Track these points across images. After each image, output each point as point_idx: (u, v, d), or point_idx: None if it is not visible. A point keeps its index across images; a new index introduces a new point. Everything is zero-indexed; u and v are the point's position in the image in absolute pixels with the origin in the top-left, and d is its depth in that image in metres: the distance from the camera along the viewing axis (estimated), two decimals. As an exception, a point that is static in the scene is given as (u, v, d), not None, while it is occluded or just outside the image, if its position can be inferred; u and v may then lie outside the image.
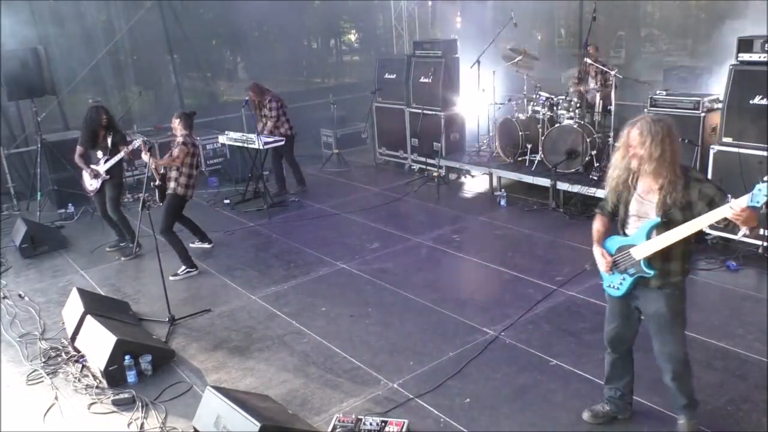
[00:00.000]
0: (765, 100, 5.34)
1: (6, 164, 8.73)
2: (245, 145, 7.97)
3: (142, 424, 3.86)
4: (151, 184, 6.14)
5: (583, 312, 4.89)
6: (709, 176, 5.76)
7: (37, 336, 5.04)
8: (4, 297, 5.84)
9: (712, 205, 2.84)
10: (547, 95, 7.69)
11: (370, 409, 3.86)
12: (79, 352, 4.67)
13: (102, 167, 6.40)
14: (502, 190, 7.72)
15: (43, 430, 3.93)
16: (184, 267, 6.10)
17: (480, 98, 8.57)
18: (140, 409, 3.99)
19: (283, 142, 8.12)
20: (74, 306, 4.90)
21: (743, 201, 2.63)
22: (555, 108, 7.58)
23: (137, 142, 6.20)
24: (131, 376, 4.29)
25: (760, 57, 5.37)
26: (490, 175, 8.05)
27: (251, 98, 8.37)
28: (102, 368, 4.25)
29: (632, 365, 3.52)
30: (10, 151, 8.93)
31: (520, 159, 7.90)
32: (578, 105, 7.36)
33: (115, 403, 4.08)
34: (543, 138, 7.47)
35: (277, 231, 7.24)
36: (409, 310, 5.12)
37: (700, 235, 5.85)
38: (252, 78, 11.10)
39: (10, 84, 8.03)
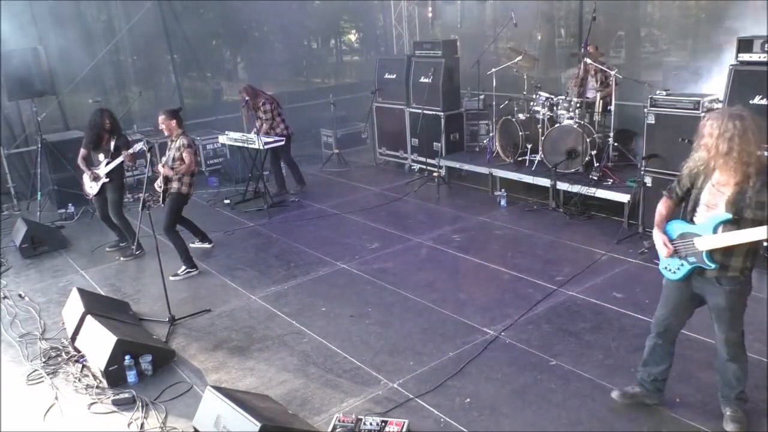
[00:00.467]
0: (765, 100, 5.33)
1: (6, 164, 8.73)
2: (245, 145, 7.98)
3: (142, 424, 3.86)
4: (158, 188, 6.14)
5: (583, 312, 4.89)
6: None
7: (38, 336, 5.05)
8: (5, 297, 5.84)
9: None
10: (547, 95, 7.69)
11: (370, 409, 3.86)
12: (79, 352, 4.67)
13: (102, 170, 6.40)
14: (502, 190, 7.73)
15: (43, 430, 3.93)
16: (184, 267, 6.10)
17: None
18: (140, 409, 4.00)
19: (283, 142, 8.13)
20: (74, 306, 4.90)
21: None
22: (555, 108, 7.58)
23: (138, 146, 6.20)
24: (131, 376, 4.29)
25: (760, 57, 5.37)
26: (490, 175, 8.05)
27: (249, 100, 8.38)
28: (102, 368, 4.25)
29: (672, 354, 3.55)
30: (10, 151, 8.92)
31: (520, 159, 7.90)
32: (578, 105, 7.36)
33: (115, 403, 4.09)
34: (543, 138, 7.47)
35: (277, 231, 7.24)
36: (409, 310, 5.13)
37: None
38: (252, 78, 11.14)
39: (10, 84, 8.04)
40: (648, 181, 6.16)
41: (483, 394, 3.93)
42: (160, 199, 6.18)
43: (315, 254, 6.42)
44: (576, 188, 6.96)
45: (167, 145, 6.24)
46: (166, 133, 6.16)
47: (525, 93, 8.13)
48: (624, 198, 6.55)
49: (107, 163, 6.38)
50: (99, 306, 4.94)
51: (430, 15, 10.48)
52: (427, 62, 8.89)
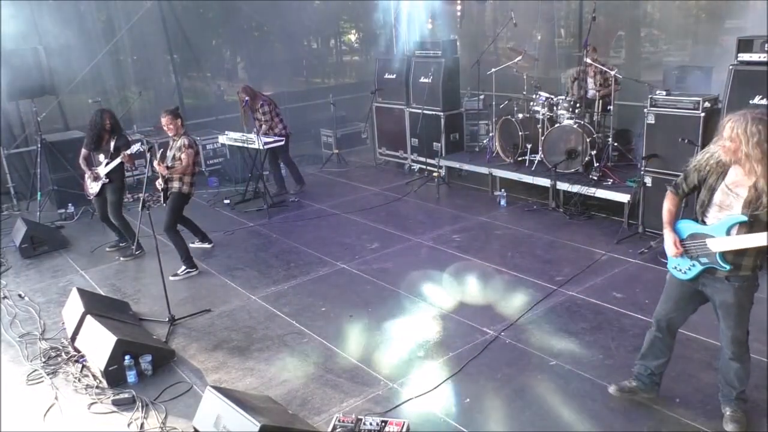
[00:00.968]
0: (765, 100, 5.33)
1: (6, 164, 8.72)
2: (245, 145, 7.98)
3: (142, 424, 3.86)
4: (158, 187, 6.13)
5: (583, 312, 4.89)
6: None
7: (37, 336, 5.05)
8: (4, 297, 5.84)
9: None
10: (547, 95, 7.69)
11: (370, 409, 3.86)
12: (79, 352, 4.67)
13: (102, 170, 6.40)
14: (502, 190, 7.73)
15: (43, 430, 3.93)
16: (184, 267, 6.10)
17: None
18: (140, 409, 4.00)
19: (283, 142, 8.13)
20: (74, 306, 4.89)
21: None
22: (555, 108, 7.58)
23: (135, 147, 6.18)
24: (131, 376, 4.29)
25: (760, 57, 5.37)
26: (490, 175, 8.05)
27: (248, 99, 8.38)
28: (102, 368, 4.25)
29: (671, 349, 3.55)
30: (10, 151, 8.92)
31: (520, 159, 7.90)
32: (578, 105, 7.36)
33: (115, 403, 4.08)
34: (543, 138, 7.47)
35: (277, 231, 7.24)
36: (409, 311, 5.12)
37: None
38: (252, 78, 11.13)
39: (10, 84, 8.03)
40: (648, 181, 6.16)
41: (483, 394, 3.93)
42: (162, 198, 6.18)
43: (315, 254, 6.42)
44: (576, 188, 6.96)
45: (168, 145, 6.24)
46: (171, 134, 6.12)
47: (525, 93, 8.13)
48: (624, 198, 6.55)
49: (107, 164, 6.38)
50: (99, 306, 4.94)
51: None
52: (427, 62, 8.90)
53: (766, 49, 5.32)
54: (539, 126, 7.73)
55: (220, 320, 5.18)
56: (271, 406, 3.71)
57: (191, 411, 3.72)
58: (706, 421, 3.52)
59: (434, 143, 8.92)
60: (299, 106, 11.58)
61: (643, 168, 6.21)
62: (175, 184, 6.07)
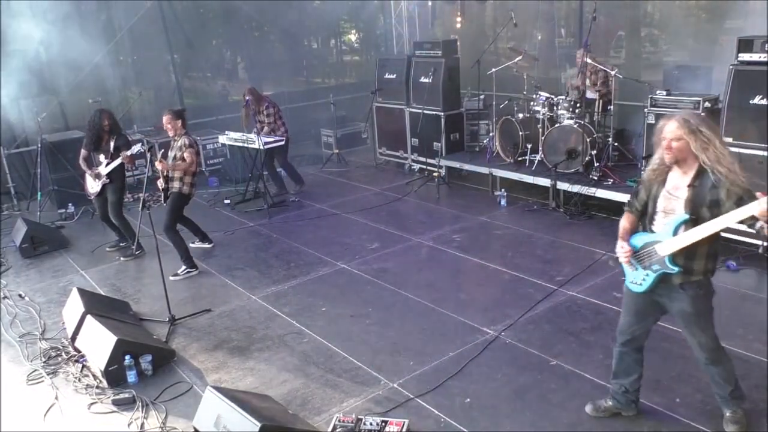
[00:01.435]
0: (765, 100, 5.34)
1: (6, 164, 8.73)
2: (245, 145, 7.98)
3: (143, 424, 3.86)
4: (159, 187, 6.13)
5: (583, 312, 4.89)
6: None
7: (38, 336, 5.05)
8: (5, 297, 5.84)
9: (740, 203, 2.83)
10: (547, 95, 7.69)
11: (371, 409, 3.86)
12: (79, 351, 4.67)
13: (103, 170, 6.41)
14: (502, 190, 7.73)
15: (43, 430, 3.93)
16: (184, 267, 6.10)
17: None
18: (140, 409, 4.00)
19: (283, 142, 8.13)
20: (74, 306, 4.90)
21: None
22: (555, 108, 7.58)
23: (136, 148, 6.17)
24: (131, 376, 4.29)
25: (760, 57, 5.37)
26: (491, 174, 8.05)
27: (250, 100, 8.39)
28: (102, 368, 4.25)
29: (641, 363, 3.51)
30: (10, 151, 8.93)
31: (520, 159, 7.90)
32: (578, 105, 7.36)
33: (115, 403, 4.09)
34: (543, 138, 7.47)
35: (277, 231, 7.24)
36: (410, 310, 5.13)
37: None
38: (252, 78, 11.14)
39: (11, 84, 8.04)
40: (648, 181, 6.15)
41: (483, 394, 3.93)
42: (162, 198, 6.18)
43: (315, 254, 6.43)
44: (576, 188, 6.96)
45: (170, 145, 6.24)
46: (171, 134, 6.14)
47: (525, 93, 8.13)
48: (624, 198, 6.54)
49: (107, 164, 6.38)
50: (99, 306, 4.94)
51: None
52: (427, 62, 8.89)
53: (766, 49, 5.33)
54: (539, 126, 7.74)
55: (221, 320, 5.18)
56: (271, 406, 3.71)
57: (191, 411, 3.72)
58: (706, 421, 3.52)
59: (434, 143, 8.91)
60: (299, 106, 11.58)
61: (643, 168, 6.21)
62: (176, 184, 6.07)
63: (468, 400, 3.89)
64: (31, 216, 7.88)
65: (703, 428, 3.48)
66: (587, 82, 7.78)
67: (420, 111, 8.88)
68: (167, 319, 5.08)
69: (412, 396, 3.96)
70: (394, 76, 9.41)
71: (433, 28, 11.45)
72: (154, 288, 5.61)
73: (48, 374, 4.48)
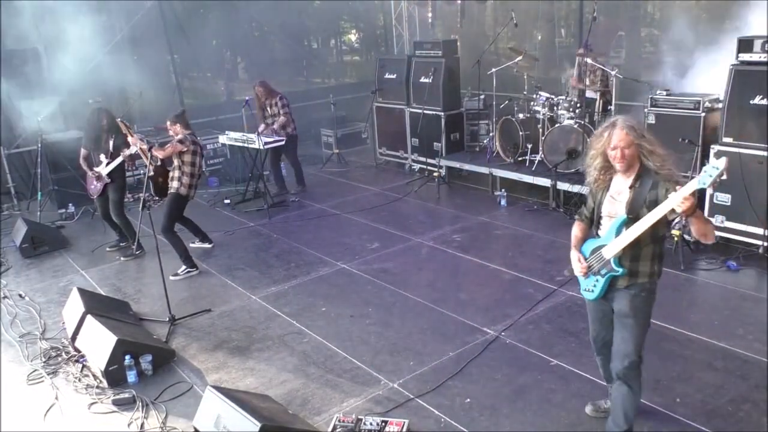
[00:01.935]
0: (765, 100, 5.34)
1: (6, 164, 8.73)
2: (245, 145, 7.98)
3: (143, 424, 3.86)
4: (146, 176, 6.10)
5: (583, 312, 4.82)
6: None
7: (38, 336, 5.05)
8: (5, 297, 5.84)
9: None
10: (547, 95, 7.69)
11: (371, 409, 3.86)
12: (79, 351, 4.67)
13: (104, 170, 6.41)
14: (503, 190, 7.73)
15: (44, 430, 3.93)
16: (184, 267, 6.10)
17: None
18: (140, 409, 4.00)
19: (283, 142, 8.13)
20: (74, 306, 4.90)
21: (690, 187, 2.70)
22: (555, 108, 7.58)
23: (134, 147, 6.17)
24: (131, 376, 4.29)
25: (760, 57, 5.37)
26: (491, 175, 8.05)
27: (258, 96, 8.42)
28: (102, 368, 4.25)
29: None
30: (10, 151, 8.93)
31: (520, 159, 7.90)
32: (578, 105, 7.36)
33: (115, 402, 4.09)
34: (543, 138, 7.47)
35: (277, 231, 7.24)
36: (410, 310, 5.13)
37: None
38: (252, 78, 11.12)
39: (11, 84, 8.04)
40: (648, 181, 6.15)
41: (483, 394, 3.93)
42: (156, 192, 6.14)
43: (315, 254, 6.43)
44: (576, 188, 6.96)
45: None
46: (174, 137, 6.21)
47: (525, 93, 8.13)
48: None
49: (107, 164, 6.39)
50: (99, 306, 4.94)
51: (429, 15, 10.45)
52: (427, 62, 8.89)
53: (766, 49, 5.32)
54: (539, 126, 7.73)
55: (221, 320, 5.18)
56: (271, 406, 3.72)
57: (191, 411, 3.72)
58: (706, 421, 3.52)
59: (434, 143, 8.91)
60: (299, 106, 11.52)
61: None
62: (174, 184, 6.07)
63: (468, 400, 3.89)
64: (32, 216, 7.88)
65: (703, 428, 3.48)
66: (586, 81, 7.78)
67: (420, 111, 8.89)
68: (167, 319, 5.08)
69: (412, 396, 3.96)
70: (394, 76, 9.41)
71: (433, 28, 11.46)
72: (154, 288, 5.61)
73: (48, 374, 4.48)
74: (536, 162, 7.62)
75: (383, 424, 3.58)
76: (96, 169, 6.46)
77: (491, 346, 4.48)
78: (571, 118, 7.34)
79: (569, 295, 5.15)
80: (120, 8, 9.73)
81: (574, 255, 3.31)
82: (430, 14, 10.57)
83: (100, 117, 6.36)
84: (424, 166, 8.93)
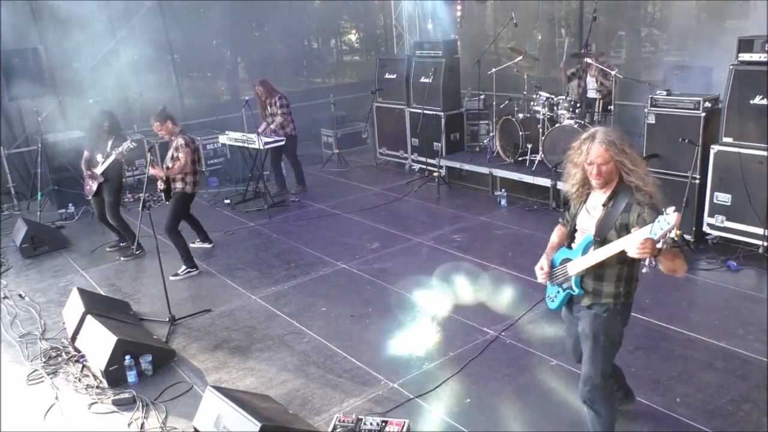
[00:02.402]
0: (765, 100, 5.33)
1: (6, 164, 8.73)
2: (245, 145, 7.98)
3: (143, 424, 3.86)
4: (159, 188, 6.10)
5: (583, 312, 4.88)
6: (709, 176, 5.76)
7: (38, 336, 5.05)
8: (5, 297, 5.84)
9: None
10: (547, 95, 7.68)
11: (371, 409, 3.86)
12: (79, 352, 4.67)
13: (98, 169, 6.41)
14: (503, 190, 7.73)
15: (44, 430, 3.93)
16: (184, 267, 6.10)
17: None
18: (140, 409, 4.00)
19: (283, 142, 8.14)
20: (75, 306, 4.90)
21: (641, 234, 2.54)
22: (555, 108, 7.57)
23: (125, 145, 6.12)
24: (131, 376, 4.29)
25: (760, 57, 5.37)
26: (491, 175, 8.05)
27: (258, 95, 8.42)
28: (102, 368, 4.25)
29: (614, 370, 3.35)
30: (11, 151, 8.92)
31: (520, 159, 7.90)
32: (578, 105, 7.36)
33: (115, 403, 4.09)
34: (543, 138, 7.47)
35: (277, 231, 7.24)
36: (410, 310, 5.12)
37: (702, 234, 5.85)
38: (252, 78, 11.12)
39: (11, 84, 8.04)
40: (648, 181, 6.14)
41: (483, 394, 3.94)
42: (164, 197, 6.15)
43: (315, 254, 6.43)
44: (576, 188, 6.95)
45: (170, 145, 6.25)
46: (166, 137, 6.20)
47: (525, 93, 8.12)
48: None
49: (102, 163, 6.39)
50: (99, 306, 4.94)
51: (458, 13, 10.35)
52: (427, 62, 8.89)
53: (766, 49, 5.32)
54: (539, 126, 7.73)
55: (221, 320, 5.18)
56: (271, 406, 3.72)
57: (191, 411, 3.72)
58: (706, 421, 3.53)
59: (434, 143, 8.91)
60: (300, 106, 11.52)
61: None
62: (178, 185, 6.06)
63: (468, 400, 3.89)
64: (32, 216, 7.88)
65: (703, 428, 3.48)
66: (591, 82, 7.78)
67: (420, 111, 8.89)
68: (167, 319, 5.08)
69: (412, 396, 3.96)
70: (394, 76, 9.41)
71: (434, 28, 11.46)
72: (154, 288, 5.61)
73: (48, 374, 4.48)
74: (536, 162, 7.62)
75: (383, 424, 3.58)
76: (93, 169, 6.47)
77: (491, 346, 4.48)
78: (571, 118, 7.34)
79: (569, 295, 5.14)
80: (120, 8, 9.73)
81: (542, 260, 3.17)
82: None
83: (102, 119, 6.37)
84: (424, 166, 8.93)
